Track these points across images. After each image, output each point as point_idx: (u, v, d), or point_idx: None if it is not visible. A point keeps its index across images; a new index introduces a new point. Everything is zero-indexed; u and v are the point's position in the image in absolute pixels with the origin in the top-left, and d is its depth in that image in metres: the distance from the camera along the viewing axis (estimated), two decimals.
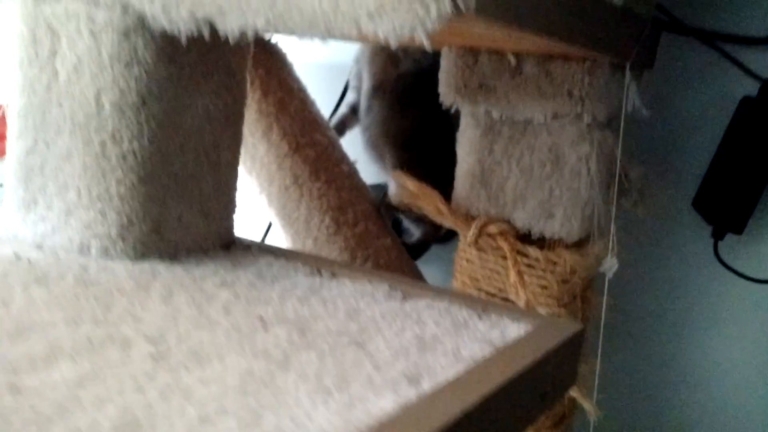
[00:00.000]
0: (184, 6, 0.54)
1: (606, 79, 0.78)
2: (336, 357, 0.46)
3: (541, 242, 0.85)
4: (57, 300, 0.50)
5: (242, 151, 0.73)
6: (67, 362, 0.41)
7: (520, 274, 0.81)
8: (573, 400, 0.84)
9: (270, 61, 1.00)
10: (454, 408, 0.39)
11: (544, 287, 0.83)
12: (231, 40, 0.55)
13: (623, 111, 0.80)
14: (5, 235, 0.65)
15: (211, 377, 0.41)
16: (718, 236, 0.96)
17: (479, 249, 0.87)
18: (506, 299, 0.85)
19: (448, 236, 1.10)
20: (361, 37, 0.54)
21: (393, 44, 0.48)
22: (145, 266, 0.60)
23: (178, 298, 0.54)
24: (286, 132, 0.98)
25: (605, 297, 0.80)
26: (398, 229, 1.10)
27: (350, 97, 1.09)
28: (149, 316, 0.49)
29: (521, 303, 0.79)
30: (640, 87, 0.82)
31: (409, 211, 0.90)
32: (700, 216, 0.98)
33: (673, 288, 1.03)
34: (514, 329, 0.55)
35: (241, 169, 0.74)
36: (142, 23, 0.58)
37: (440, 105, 0.87)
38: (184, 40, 0.57)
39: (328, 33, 0.50)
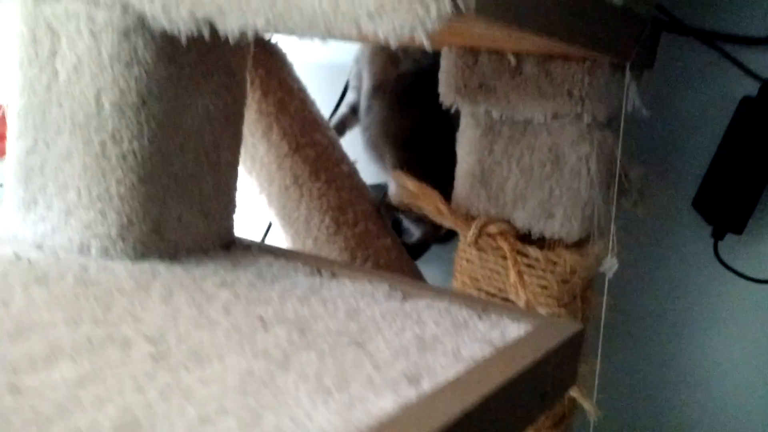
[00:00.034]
0: (184, 6, 0.54)
1: (606, 79, 0.78)
2: (336, 357, 0.46)
3: (541, 242, 0.85)
4: (57, 300, 0.50)
5: (242, 151, 0.73)
6: (67, 362, 0.41)
7: (520, 274, 0.81)
8: (573, 400, 0.84)
9: (270, 61, 1.00)
10: (454, 408, 0.39)
11: (544, 287, 0.83)
12: (231, 40, 0.55)
13: (623, 111, 0.80)
14: (5, 235, 0.65)
15: (211, 377, 0.41)
16: (718, 236, 0.96)
17: (479, 249, 0.87)
18: (506, 299, 0.85)
19: (448, 236, 1.10)
20: (361, 37, 0.54)
21: (393, 44, 0.48)
22: (145, 266, 0.60)
23: (178, 298, 0.54)
24: (286, 132, 0.98)
25: (605, 297, 0.80)
26: (398, 229, 1.10)
27: (350, 97, 1.09)
28: (149, 316, 0.49)
29: (521, 303, 0.79)
30: (640, 87, 0.82)
31: (409, 211, 0.90)
32: (700, 216, 0.98)
33: (673, 288, 1.03)
34: (514, 329, 0.55)
35: (241, 169, 0.74)
36: (142, 23, 0.58)
37: (440, 105, 0.87)
38: (184, 40, 0.57)
39: (328, 33, 0.50)
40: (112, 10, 0.58)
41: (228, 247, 0.71)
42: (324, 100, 1.07)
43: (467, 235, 0.86)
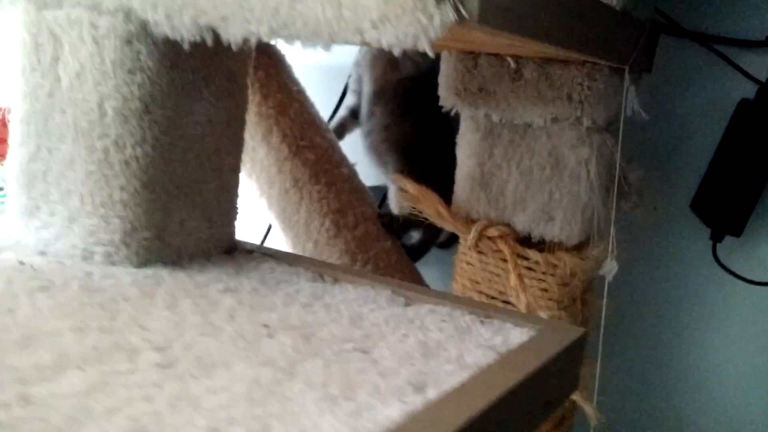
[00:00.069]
0: (187, 13, 0.55)
1: (605, 83, 0.78)
2: (341, 364, 0.46)
3: (541, 245, 0.85)
4: (62, 308, 0.50)
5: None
6: (75, 372, 0.41)
7: (520, 277, 0.81)
8: (573, 402, 0.85)
9: (269, 64, 1.00)
10: (459, 416, 0.39)
11: (545, 290, 0.84)
12: (234, 48, 0.55)
13: (622, 114, 0.80)
14: (7, 241, 0.65)
15: (219, 386, 0.41)
16: (716, 238, 0.97)
17: (479, 252, 0.87)
18: (507, 302, 0.85)
19: (450, 242, 1.10)
20: (364, 44, 0.54)
21: (396, 52, 0.49)
22: (149, 272, 0.60)
23: (183, 304, 0.54)
24: (286, 135, 0.98)
25: (605, 299, 0.80)
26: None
27: (349, 100, 1.09)
28: (155, 324, 0.50)
29: (522, 306, 0.80)
30: (639, 90, 0.82)
31: (413, 216, 0.90)
32: (699, 218, 0.98)
33: (671, 290, 1.03)
34: (516, 335, 0.55)
35: (241, 173, 0.74)
36: (144, 30, 0.58)
37: (441, 108, 0.87)
38: (187, 47, 0.57)
39: (331, 41, 0.51)
40: (115, 16, 0.58)
41: (230, 251, 0.71)
42: (323, 102, 1.07)
43: (467, 238, 0.86)
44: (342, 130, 1.09)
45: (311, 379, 0.44)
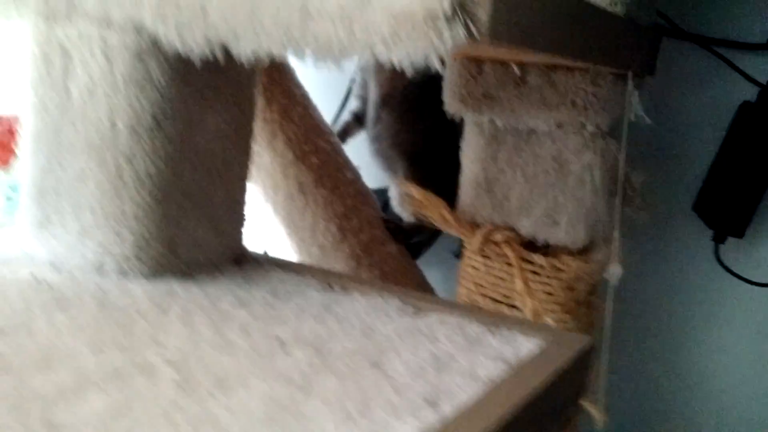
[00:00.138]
0: (199, 29, 0.55)
1: (609, 88, 0.79)
2: (356, 380, 0.47)
3: (546, 249, 0.86)
4: (79, 325, 0.51)
5: None
6: (96, 393, 0.41)
7: (526, 282, 0.82)
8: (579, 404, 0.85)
9: (273, 68, 1.00)
10: None
11: (549, 294, 0.85)
12: (246, 64, 0.55)
13: (626, 119, 0.81)
14: (19, 254, 0.65)
15: (237, 405, 0.42)
16: (719, 240, 0.98)
17: (484, 256, 0.88)
18: (512, 306, 0.86)
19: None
20: (375, 60, 0.54)
21: (407, 69, 0.49)
22: (161, 286, 0.61)
23: (197, 319, 0.54)
24: (291, 140, 0.99)
25: (610, 303, 0.81)
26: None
27: (353, 104, 1.09)
28: (170, 340, 0.50)
29: (528, 311, 0.80)
30: (642, 94, 0.82)
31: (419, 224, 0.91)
32: (701, 220, 0.99)
33: (675, 291, 1.04)
34: (526, 345, 0.56)
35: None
36: (155, 45, 0.59)
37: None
38: (198, 63, 0.58)
39: (342, 57, 0.51)
40: (126, 32, 0.59)
41: (239, 260, 0.72)
42: (325, 106, 1.07)
43: (472, 242, 0.87)
44: (345, 134, 1.09)
45: (327, 395, 0.44)
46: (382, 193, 1.07)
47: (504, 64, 0.83)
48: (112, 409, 0.40)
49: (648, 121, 0.80)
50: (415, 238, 1.10)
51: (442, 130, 0.95)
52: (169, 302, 0.57)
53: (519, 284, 0.82)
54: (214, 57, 0.56)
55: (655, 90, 0.97)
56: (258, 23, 0.52)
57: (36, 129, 0.64)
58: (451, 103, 0.88)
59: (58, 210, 0.63)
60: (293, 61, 1.04)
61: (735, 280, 0.98)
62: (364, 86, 1.06)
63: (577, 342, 0.57)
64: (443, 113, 0.88)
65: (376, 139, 1.03)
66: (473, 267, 0.89)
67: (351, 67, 1.11)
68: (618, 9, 0.75)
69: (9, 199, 0.95)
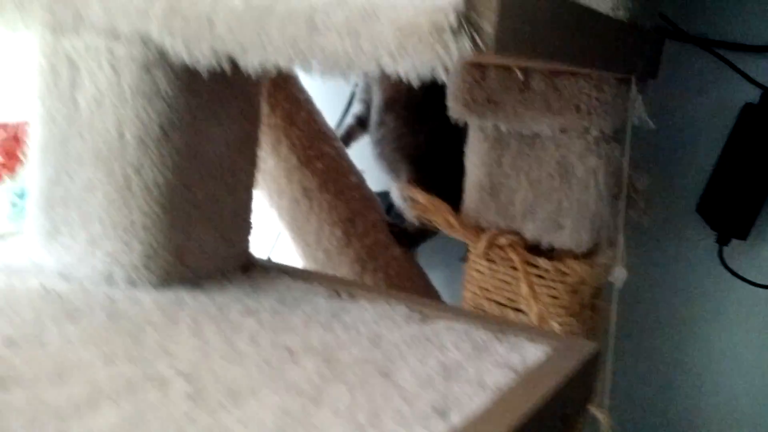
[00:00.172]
0: (206, 42, 0.56)
1: (612, 92, 0.79)
2: (365, 390, 0.47)
3: (550, 253, 0.86)
4: (90, 337, 0.51)
5: None
6: (109, 406, 0.42)
7: (531, 286, 0.82)
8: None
9: (277, 74, 1.00)
10: None
11: (554, 297, 0.85)
12: (253, 76, 0.56)
13: (629, 123, 0.81)
14: (28, 264, 0.66)
15: (249, 416, 0.43)
16: (722, 242, 0.98)
17: (489, 260, 0.88)
18: (517, 309, 0.86)
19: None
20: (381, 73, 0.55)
21: (414, 82, 0.50)
22: (170, 295, 0.61)
23: (206, 329, 0.55)
24: (295, 145, 0.99)
25: (614, 305, 0.81)
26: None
27: (356, 108, 1.10)
28: (181, 350, 0.51)
29: (533, 315, 0.81)
30: (645, 98, 0.83)
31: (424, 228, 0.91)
32: (705, 222, 0.99)
33: (678, 293, 1.04)
34: (532, 352, 0.57)
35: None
36: (162, 57, 0.59)
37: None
38: (205, 74, 0.58)
39: (348, 71, 0.52)
40: (133, 44, 0.59)
41: (246, 268, 0.72)
42: (329, 111, 1.08)
43: (477, 246, 0.87)
44: (349, 138, 1.10)
45: (337, 406, 0.45)
46: (386, 197, 1.08)
47: (507, 69, 0.83)
48: (125, 422, 0.40)
49: (652, 125, 0.80)
50: (420, 242, 1.10)
51: (445, 133, 0.95)
52: (179, 312, 0.58)
53: (524, 288, 0.82)
54: (221, 68, 0.57)
55: (658, 92, 0.97)
56: (265, 36, 0.53)
57: (44, 140, 0.64)
58: (454, 108, 0.88)
59: (66, 220, 0.64)
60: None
61: (739, 281, 0.98)
62: (368, 90, 1.06)
63: (584, 348, 0.58)
64: (446, 116, 0.88)
65: (379, 143, 1.04)
66: (478, 271, 0.90)
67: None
68: (621, 14, 0.75)
69: (14, 205, 0.96)
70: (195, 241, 0.65)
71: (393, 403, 0.46)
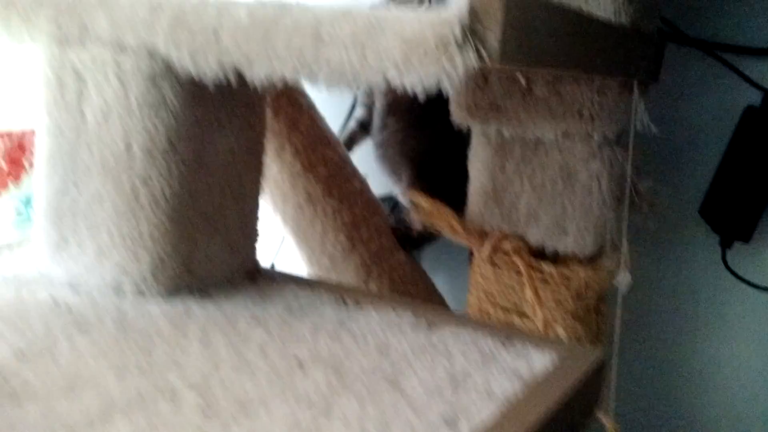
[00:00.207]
0: (212, 54, 0.56)
1: (615, 97, 0.80)
2: (374, 400, 0.48)
3: (555, 258, 0.86)
4: (101, 349, 0.52)
5: None
6: (122, 419, 0.42)
7: (536, 291, 0.82)
8: None
9: (282, 85, 1.01)
10: None
11: (559, 302, 0.85)
12: (259, 88, 0.56)
13: (632, 127, 0.82)
14: (36, 275, 0.66)
15: (260, 429, 0.43)
16: (726, 245, 0.98)
17: (494, 265, 0.88)
18: (522, 313, 0.87)
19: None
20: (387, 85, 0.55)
21: (419, 94, 0.50)
22: (179, 305, 0.62)
23: (215, 339, 0.55)
24: (298, 150, 0.99)
25: (619, 309, 0.81)
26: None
27: (359, 113, 1.10)
28: (190, 362, 0.51)
29: (538, 321, 0.81)
30: (647, 102, 0.83)
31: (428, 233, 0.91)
32: (708, 225, 1.00)
33: (682, 297, 1.05)
34: (539, 359, 0.57)
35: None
36: (169, 68, 0.59)
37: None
38: (211, 86, 0.59)
39: (354, 82, 0.52)
40: (139, 56, 0.60)
41: (252, 276, 0.72)
42: (332, 116, 1.08)
43: (481, 251, 0.87)
44: (351, 142, 1.10)
45: (347, 417, 0.45)
46: (389, 201, 1.08)
47: (510, 74, 0.83)
48: None
49: (654, 130, 0.80)
50: (423, 245, 1.10)
51: (447, 137, 0.96)
52: (187, 322, 0.58)
53: (529, 293, 0.83)
54: (227, 80, 0.57)
55: (660, 96, 0.97)
56: (271, 48, 0.53)
57: (51, 151, 0.65)
58: (457, 114, 0.88)
59: (74, 231, 0.64)
60: None
61: (742, 284, 0.99)
62: (370, 94, 1.06)
63: (590, 356, 0.58)
64: (449, 120, 0.89)
65: (381, 146, 1.04)
66: (483, 276, 0.90)
67: None
68: (623, 19, 0.75)
69: (20, 213, 0.96)
70: (202, 251, 0.66)
71: (403, 414, 0.46)
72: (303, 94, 1.05)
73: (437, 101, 0.93)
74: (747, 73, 0.97)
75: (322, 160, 1.01)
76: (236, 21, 0.55)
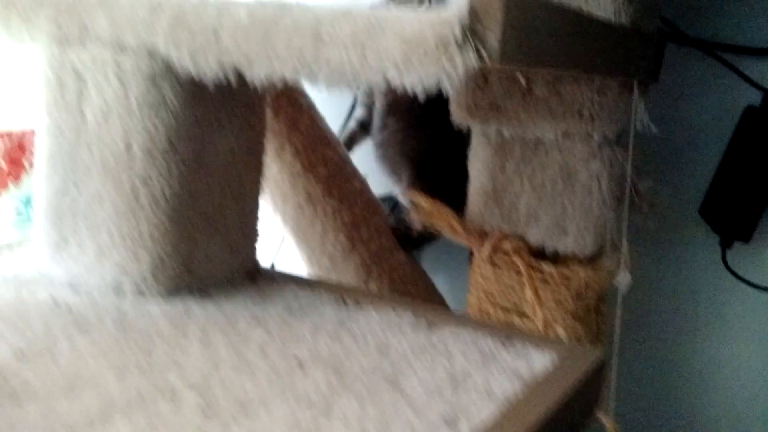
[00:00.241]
0: (212, 54, 0.56)
1: (615, 97, 0.80)
2: (374, 400, 0.48)
3: (555, 258, 0.86)
4: (101, 349, 0.52)
5: None
6: (122, 419, 0.42)
7: (536, 291, 0.82)
8: None
9: (282, 85, 1.01)
10: None
11: (559, 302, 0.85)
12: (259, 88, 0.56)
13: (632, 127, 0.82)
14: (36, 275, 0.66)
15: (260, 429, 0.43)
16: (726, 245, 0.98)
17: (494, 265, 0.88)
18: (522, 313, 0.87)
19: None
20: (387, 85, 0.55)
21: (419, 94, 0.50)
22: (178, 305, 0.62)
23: (215, 339, 0.55)
24: (298, 150, 0.99)
25: (619, 309, 0.81)
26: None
27: (359, 113, 1.10)
28: (190, 362, 0.51)
29: (538, 321, 0.81)
30: (648, 102, 0.83)
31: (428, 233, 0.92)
32: (708, 225, 1.00)
33: (682, 297, 1.05)
34: (539, 359, 0.57)
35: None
36: (169, 68, 0.59)
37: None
38: (211, 87, 0.59)
39: (354, 83, 0.52)
40: (139, 56, 0.60)
41: (252, 276, 0.72)
42: (332, 115, 1.08)
43: (482, 251, 0.87)
44: (351, 142, 1.10)
45: (347, 417, 0.45)
46: (389, 201, 1.08)
47: (510, 74, 0.83)
48: None
49: (654, 130, 0.80)
50: (423, 244, 1.10)
51: (447, 136, 0.96)
52: (187, 322, 0.58)
53: (529, 293, 0.83)
54: (227, 80, 0.57)
55: (660, 96, 0.97)
56: (271, 48, 0.53)
57: (51, 151, 0.65)
58: (457, 114, 0.88)
59: (74, 231, 0.64)
60: None
61: (742, 284, 0.98)
62: (370, 94, 1.06)
63: (590, 356, 0.58)
64: (449, 120, 0.89)
65: (381, 145, 1.04)
66: (483, 276, 0.90)
67: None
68: (623, 19, 0.75)
69: (19, 213, 0.96)
70: (202, 251, 0.66)
71: (403, 414, 0.46)
72: (303, 94, 1.05)
73: (437, 101, 0.93)
74: (747, 73, 0.97)
75: (322, 160, 1.01)
76: (236, 21, 0.55)
